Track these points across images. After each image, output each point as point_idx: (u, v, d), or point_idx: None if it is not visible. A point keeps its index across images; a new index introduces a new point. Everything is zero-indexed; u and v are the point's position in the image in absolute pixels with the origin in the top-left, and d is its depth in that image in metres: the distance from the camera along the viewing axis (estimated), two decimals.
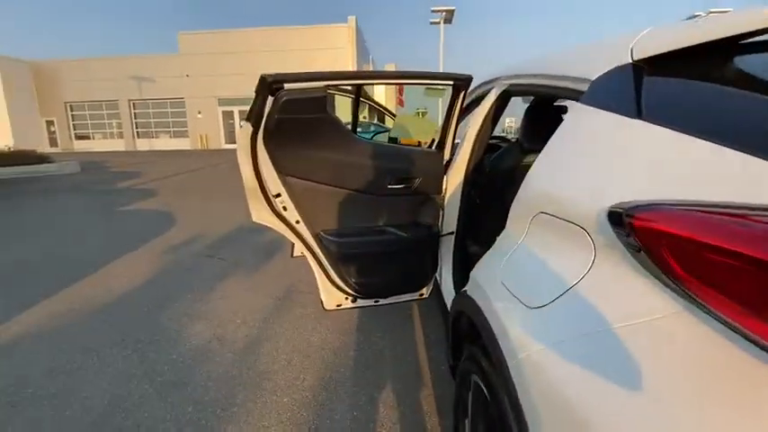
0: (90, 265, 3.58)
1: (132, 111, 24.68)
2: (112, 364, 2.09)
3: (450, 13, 16.30)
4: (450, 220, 1.97)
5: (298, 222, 1.60)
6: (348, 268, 1.72)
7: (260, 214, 1.59)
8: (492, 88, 1.83)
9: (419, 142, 3.63)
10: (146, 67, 23.21)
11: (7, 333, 2.42)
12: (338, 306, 1.90)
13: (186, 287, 3.08)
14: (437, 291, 2.31)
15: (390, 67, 22.01)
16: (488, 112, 1.80)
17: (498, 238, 1.18)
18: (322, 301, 1.87)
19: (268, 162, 1.47)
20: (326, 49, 20.32)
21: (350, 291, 1.83)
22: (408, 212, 1.80)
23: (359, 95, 1.82)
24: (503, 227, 2.00)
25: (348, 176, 1.59)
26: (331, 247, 1.65)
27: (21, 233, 4.88)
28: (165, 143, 24.58)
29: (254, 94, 1.34)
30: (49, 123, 24.93)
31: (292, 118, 1.37)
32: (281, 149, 1.46)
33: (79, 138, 25.67)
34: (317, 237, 1.65)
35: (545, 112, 1.93)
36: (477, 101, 2.03)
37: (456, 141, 1.97)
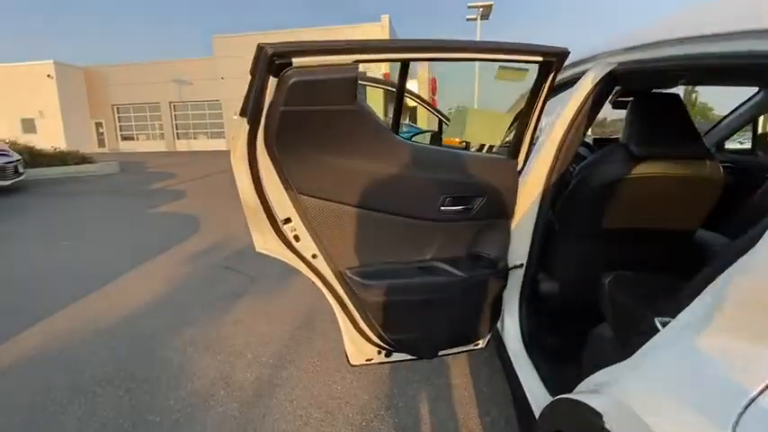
0: (103, 276, 3.33)
1: (172, 112, 25.55)
2: (99, 411, 1.74)
3: (488, 8, 15.55)
4: (518, 249, 1.47)
5: (315, 257, 1.16)
6: (382, 317, 1.26)
7: (265, 243, 1.17)
8: (586, 71, 1.31)
9: (465, 144, 3.10)
10: (185, 71, 23.92)
11: None
12: (368, 361, 1.44)
13: (198, 307, 2.74)
14: (495, 336, 1.80)
15: (423, 70, 21.26)
16: (581, 105, 1.28)
17: (671, 325, 0.67)
18: (347, 354, 1.43)
19: (273, 174, 1.03)
20: None
21: (384, 344, 1.36)
22: (466, 243, 1.32)
23: (404, 79, 1.35)
24: (595, 260, 1.45)
25: (386, 195, 1.14)
26: (360, 290, 1.20)
27: (41, 237, 4.79)
28: (203, 144, 25.25)
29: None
30: (98, 125, 26.28)
31: (306, 111, 0.93)
32: (290, 157, 1.02)
33: (124, 139, 26.89)
34: (340, 276, 1.20)
35: (659, 103, 1.38)
36: (560, 89, 1.51)
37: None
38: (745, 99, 2.50)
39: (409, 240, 1.22)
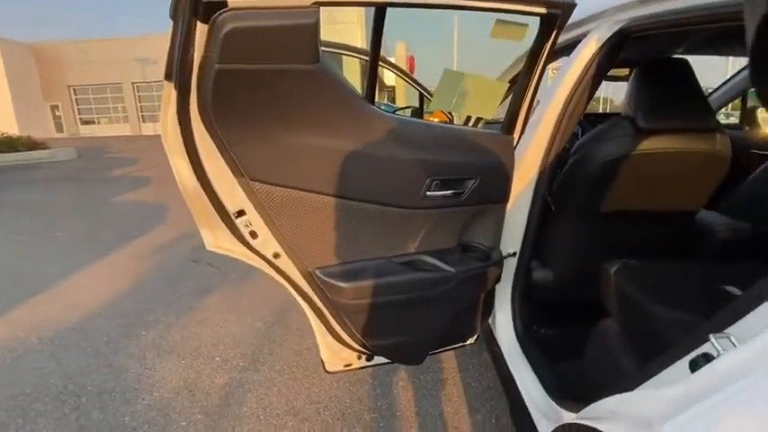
0: (56, 274, 3.02)
1: (136, 94, 24.07)
2: None
3: None
4: (511, 236, 1.32)
5: (277, 257, 0.97)
6: (362, 322, 1.09)
7: (216, 241, 0.97)
8: (589, 32, 1.14)
9: (449, 117, 2.89)
10: (147, 49, 22.42)
11: None
12: (347, 366, 1.28)
13: (162, 305, 2.50)
14: (486, 331, 1.67)
15: (401, 47, 20.54)
16: (584, 72, 1.12)
17: (740, 349, 0.51)
18: (322, 361, 1.26)
19: (216, 156, 0.82)
20: (332, 25, 19.17)
21: (364, 349, 1.20)
22: (456, 233, 1.15)
23: (380, 34, 1.13)
24: (594, 246, 1.32)
25: (361, 180, 0.94)
26: (334, 293, 1.02)
27: None
28: None
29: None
30: (54, 108, 24.50)
31: (251, 71, 0.72)
32: (236, 133, 0.81)
33: (84, 122, 25.24)
34: (310, 277, 1.01)
35: (667, 70, 1.23)
36: (560, 54, 1.34)
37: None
38: (735, 72, 2.41)
39: (390, 232, 1.04)
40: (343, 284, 1.00)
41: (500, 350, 1.45)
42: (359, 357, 1.27)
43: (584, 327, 1.66)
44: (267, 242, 0.95)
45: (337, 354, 1.24)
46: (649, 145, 1.18)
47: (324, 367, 1.27)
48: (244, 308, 2.44)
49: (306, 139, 0.86)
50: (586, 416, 0.78)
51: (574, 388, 1.18)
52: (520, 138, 1.17)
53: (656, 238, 1.44)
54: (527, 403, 1.22)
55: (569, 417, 1.03)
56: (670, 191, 1.30)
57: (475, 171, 1.06)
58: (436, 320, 1.18)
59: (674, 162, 1.21)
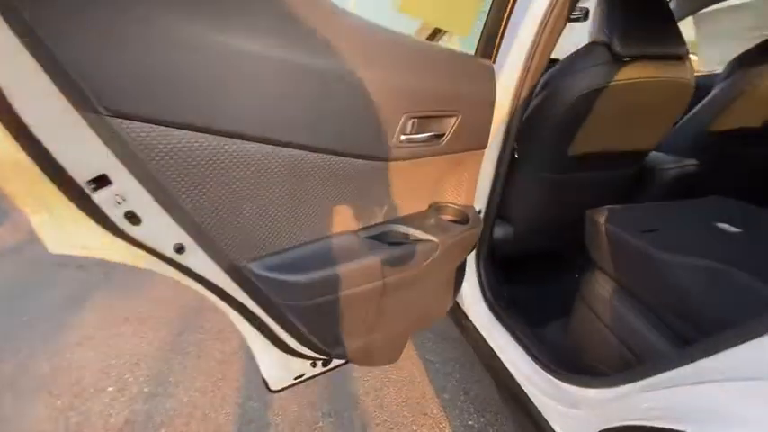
0: None
1: None
2: None
3: None
4: (479, 191, 1.11)
5: (181, 251, 0.60)
6: (323, 324, 0.79)
7: (63, 236, 0.56)
8: None
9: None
10: None
11: None
12: (298, 379, 0.98)
13: (19, 326, 1.85)
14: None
15: None
16: None
17: None
18: (265, 380, 0.93)
19: (32, 67, 0.42)
20: None
21: (319, 354, 0.91)
22: (429, 190, 0.89)
23: None
24: (559, 193, 1.19)
25: (317, 116, 0.61)
26: (279, 291, 0.69)
27: None
28: None
29: None
30: None
31: None
32: (70, 18, 0.41)
33: None
34: (239, 274, 0.66)
35: None
36: None
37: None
38: None
39: (355, 196, 0.74)
40: (293, 279, 0.68)
41: (471, 323, 1.27)
42: (314, 365, 0.98)
43: (553, 281, 1.58)
44: (160, 228, 0.57)
45: (285, 367, 0.92)
46: (628, 74, 1.05)
47: (267, 387, 0.95)
48: (141, 314, 1.92)
49: (211, 38, 0.50)
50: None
51: (569, 355, 1.05)
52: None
53: (615, 181, 1.37)
54: (517, 378, 1.07)
55: (576, 391, 0.89)
56: (639, 126, 1.21)
57: (456, 105, 0.79)
58: (417, 303, 0.93)
59: (650, 93, 1.10)
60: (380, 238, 0.80)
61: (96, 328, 1.83)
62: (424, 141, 0.77)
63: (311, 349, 0.86)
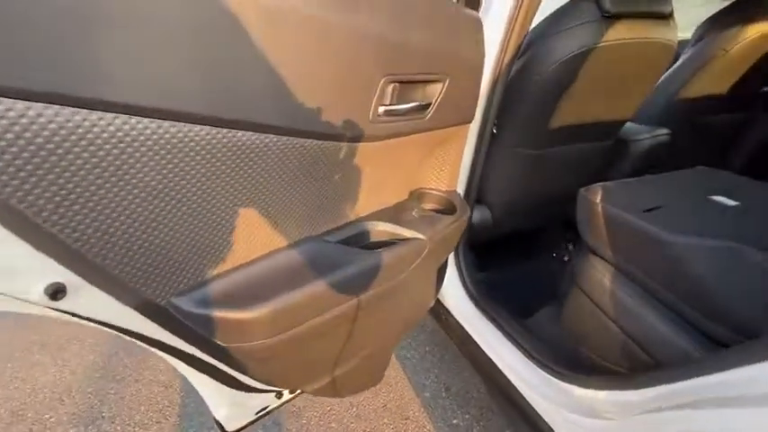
0: None
1: None
2: None
3: None
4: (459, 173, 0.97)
5: (59, 295, 0.39)
6: (289, 362, 0.61)
7: None
8: None
9: None
10: None
11: None
12: (261, 413, 0.80)
13: None
14: None
15: None
16: None
17: None
18: (218, 423, 0.75)
19: None
20: None
21: (289, 387, 0.73)
22: (410, 174, 0.73)
23: None
24: (539, 174, 1.11)
25: (249, 75, 0.41)
26: (227, 332, 0.50)
27: None
28: None
29: None
30: None
31: None
32: None
33: None
34: (162, 314, 0.46)
35: None
36: None
37: None
38: None
39: (316, 189, 0.56)
40: (236, 316, 0.49)
41: (454, 319, 1.16)
42: (279, 395, 0.80)
43: (532, 262, 1.50)
44: (15, 264, 0.36)
45: (242, 405, 0.74)
46: (617, 33, 0.94)
47: (222, 429, 0.77)
48: (60, 337, 1.61)
49: None
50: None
51: (565, 349, 0.96)
52: None
53: (593, 155, 1.30)
54: (508, 375, 0.98)
55: (579, 392, 0.80)
56: (621, 93, 1.12)
57: (444, 66, 0.62)
58: (400, 313, 0.78)
59: (637, 55, 1.01)
60: (355, 240, 0.63)
61: (3, 360, 1.50)
62: (406, 114, 0.60)
63: (275, 382, 0.68)
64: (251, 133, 0.45)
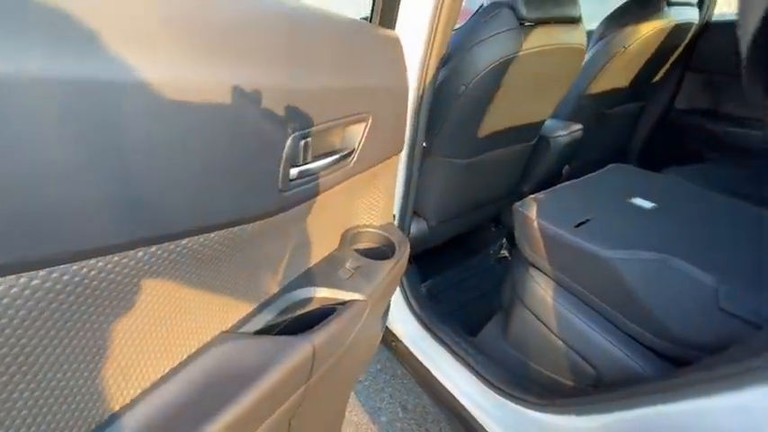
0: None
1: None
2: None
3: None
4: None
5: None
6: None
7: None
8: None
9: None
10: None
11: None
12: None
13: None
14: None
15: None
16: None
17: None
18: None
19: None
20: None
21: None
22: (340, 220, 0.65)
23: None
24: (469, 180, 1.10)
25: (147, 170, 0.29)
26: None
27: None
28: None
29: None
30: None
31: None
32: None
33: None
34: None
35: None
36: None
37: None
38: None
39: (218, 284, 0.44)
40: None
41: (403, 345, 1.11)
42: None
43: (468, 266, 1.51)
44: None
45: None
46: (535, 40, 0.93)
47: None
48: None
49: None
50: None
51: (515, 369, 0.96)
52: None
53: (519, 156, 1.31)
54: (462, 401, 0.95)
55: (531, 414, 0.80)
56: (541, 96, 1.14)
57: (365, 102, 0.54)
58: (346, 376, 0.70)
59: (553, 60, 1.02)
60: (277, 325, 0.52)
61: None
62: (326, 168, 0.50)
63: None
64: (169, 244, 0.33)
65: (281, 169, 0.42)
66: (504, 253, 1.65)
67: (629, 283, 0.73)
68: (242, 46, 0.37)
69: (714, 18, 1.70)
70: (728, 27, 1.67)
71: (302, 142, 0.44)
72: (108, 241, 0.30)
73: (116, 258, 0.30)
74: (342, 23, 0.50)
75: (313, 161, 0.47)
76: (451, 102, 0.98)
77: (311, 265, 0.61)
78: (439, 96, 0.97)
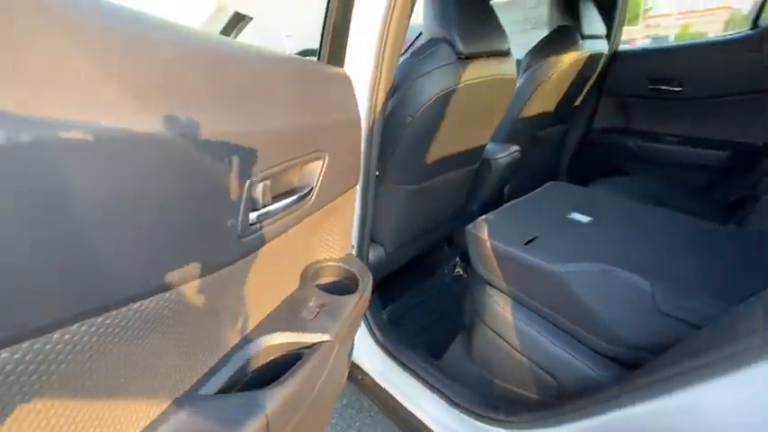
0: None
1: None
2: None
3: None
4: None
5: None
6: None
7: None
8: None
9: None
10: None
11: None
12: None
13: None
14: None
15: None
16: None
17: None
18: None
19: None
20: None
21: None
22: (299, 260, 0.62)
23: None
24: (422, 205, 1.13)
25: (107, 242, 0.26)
26: None
27: None
28: None
29: None
30: None
31: None
32: None
33: None
34: None
35: None
36: None
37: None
38: None
39: (172, 345, 0.40)
40: None
41: (370, 377, 1.08)
42: None
43: (430, 283, 1.53)
44: None
45: None
46: (472, 73, 0.99)
47: None
48: None
49: None
50: None
51: (483, 388, 0.97)
52: None
53: (464, 179, 1.37)
54: (429, 425, 0.94)
55: None
56: (480, 123, 1.21)
57: (321, 141, 0.53)
58: (322, 414, 0.66)
59: (489, 91, 1.10)
60: (240, 380, 0.48)
61: None
62: (286, 209, 0.49)
63: None
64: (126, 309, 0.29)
65: (240, 215, 0.40)
66: (459, 271, 1.69)
67: (579, 294, 0.78)
68: (192, 90, 0.35)
69: (620, 48, 1.94)
70: (632, 56, 1.92)
71: (260, 185, 0.43)
72: (43, 320, 0.26)
73: (56, 336, 0.26)
74: (293, 64, 0.50)
75: (272, 203, 0.45)
76: (400, 131, 1.01)
77: (273, 308, 0.58)
78: (388, 126, 0.99)
